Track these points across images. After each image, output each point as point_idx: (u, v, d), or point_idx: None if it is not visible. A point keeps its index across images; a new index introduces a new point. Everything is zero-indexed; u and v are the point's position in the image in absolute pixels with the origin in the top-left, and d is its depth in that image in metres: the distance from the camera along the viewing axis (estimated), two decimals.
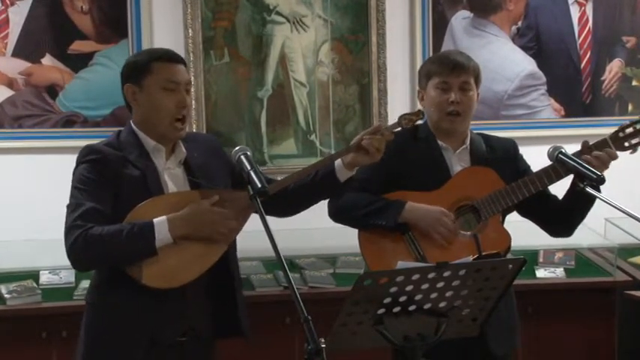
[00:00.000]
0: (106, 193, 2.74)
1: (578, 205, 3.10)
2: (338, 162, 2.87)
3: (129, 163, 2.78)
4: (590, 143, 3.09)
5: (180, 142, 2.89)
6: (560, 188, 3.14)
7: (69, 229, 2.69)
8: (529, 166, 3.24)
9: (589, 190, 2.90)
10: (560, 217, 3.18)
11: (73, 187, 2.77)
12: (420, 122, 3.05)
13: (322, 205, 3.12)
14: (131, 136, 2.84)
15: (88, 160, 2.78)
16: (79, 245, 2.66)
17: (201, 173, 2.86)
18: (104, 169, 2.76)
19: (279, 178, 2.93)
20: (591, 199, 3.05)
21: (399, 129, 2.93)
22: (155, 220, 2.68)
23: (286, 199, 2.91)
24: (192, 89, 4.26)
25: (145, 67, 2.82)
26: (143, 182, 2.77)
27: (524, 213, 3.23)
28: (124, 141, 2.84)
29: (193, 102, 4.26)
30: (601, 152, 3.02)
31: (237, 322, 2.89)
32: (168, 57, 2.86)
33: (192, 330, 2.83)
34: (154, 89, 2.81)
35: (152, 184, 2.78)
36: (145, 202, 2.72)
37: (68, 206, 2.75)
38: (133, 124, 2.87)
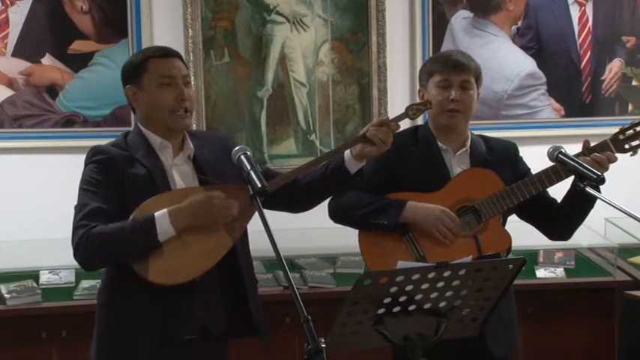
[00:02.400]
0: (112, 192, 2.75)
1: (577, 207, 3.10)
2: (347, 154, 2.87)
3: (136, 162, 2.79)
4: (591, 144, 3.10)
5: (188, 138, 2.90)
6: (559, 191, 3.13)
7: (74, 230, 2.71)
8: (529, 169, 3.24)
9: (589, 190, 2.90)
10: (560, 220, 3.17)
11: (80, 189, 2.79)
12: (420, 122, 3.06)
13: (322, 205, 3.12)
14: (138, 136, 2.86)
15: (94, 160, 2.80)
16: (83, 244, 2.67)
17: (210, 170, 2.86)
18: (110, 169, 2.77)
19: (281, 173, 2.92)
20: (591, 201, 3.04)
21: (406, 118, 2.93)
22: (156, 213, 2.68)
23: (299, 194, 2.92)
24: (192, 89, 4.26)
25: (141, 67, 2.84)
26: (150, 180, 2.77)
27: (523, 216, 3.23)
28: (131, 141, 2.85)
29: None
30: (600, 155, 3.02)
31: (250, 321, 2.89)
32: (161, 53, 2.88)
33: (203, 328, 2.83)
34: (152, 87, 2.82)
35: (159, 181, 2.79)
36: (149, 199, 2.73)
37: (75, 207, 2.76)
38: (139, 124, 2.89)
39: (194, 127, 4.25)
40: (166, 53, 2.88)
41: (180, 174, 2.85)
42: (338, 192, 3.04)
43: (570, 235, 3.25)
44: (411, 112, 2.91)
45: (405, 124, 3.17)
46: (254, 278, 2.98)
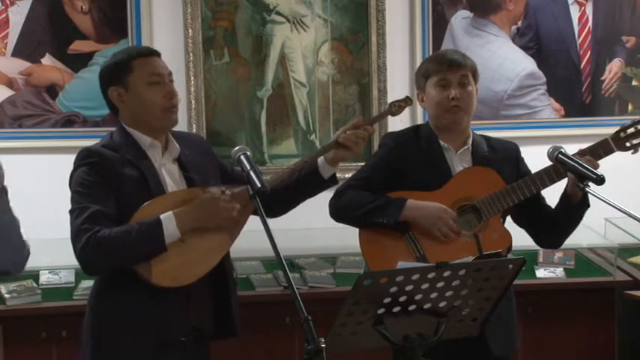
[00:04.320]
0: (109, 194, 2.72)
1: (570, 212, 3.09)
2: (321, 159, 2.89)
3: (127, 163, 2.77)
4: (591, 143, 3.10)
5: (172, 139, 2.89)
6: (557, 191, 3.14)
7: (77, 234, 2.66)
8: (530, 171, 3.23)
9: (589, 190, 2.90)
10: (552, 226, 3.17)
11: (75, 192, 2.74)
12: (420, 122, 3.06)
13: (322, 205, 3.12)
14: (125, 136, 2.83)
15: (87, 162, 2.75)
16: (89, 249, 2.64)
17: (193, 170, 2.86)
18: (104, 171, 2.74)
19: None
20: (583, 206, 3.06)
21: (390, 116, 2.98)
22: (162, 216, 2.67)
23: (272, 200, 2.90)
24: (192, 89, 4.27)
25: (126, 67, 2.81)
26: (144, 182, 2.76)
27: (517, 220, 3.23)
28: (118, 141, 2.82)
29: (193, 102, 4.27)
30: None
31: (232, 322, 2.89)
32: (144, 52, 2.87)
33: (196, 330, 2.83)
34: (140, 86, 2.80)
35: (152, 182, 2.77)
36: (149, 201, 2.72)
37: (71, 211, 2.72)
38: (124, 125, 2.86)
39: (194, 127, 4.25)
40: (150, 52, 2.88)
41: (168, 173, 2.84)
42: (311, 196, 3.01)
43: (561, 243, 3.27)
44: (393, 108, 2.97)
45: (405, 123, 3.18)
46: (234, 281, 2.98)
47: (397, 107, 2.96)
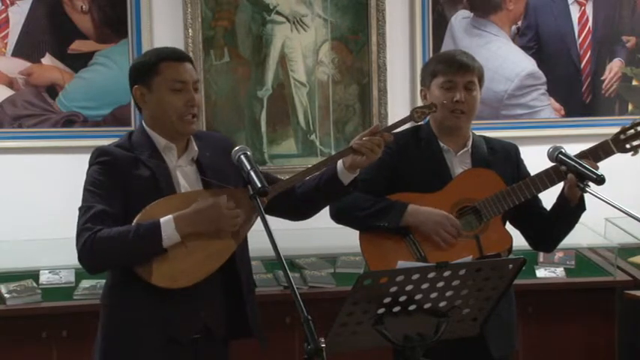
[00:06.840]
0: (117, 194, 2.74)
1: (567, 213, 3.09)
2: (340, 165, 2.87)
3: (140, 163, 2.78)
4: (591, 143, 3.10)
5: (192, 140, 2.89)
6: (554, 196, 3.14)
7: (79, 233, 2.70)
8: (529, 173, 3.23)
9: (589, 190, 2.90)
10: (548, 228, 3.17)
11: (85, 190, 2.78)
12: (422, 122, 3.06)
13: None
14: (143, 136, 2.85)
15: (99, 161, 2.78)
16: (88, 248, 2.66)
17: (212, 172, 2.86)
18: (114, 171, 2.76)
19: (281, 177, 2.93)
20: (581, 208, 3.06)
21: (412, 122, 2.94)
22: (162, 219, 2.68)
23: (295, 203, 2.92)
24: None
25: (152, 69, 2.81)
26: (154, 182, 2.77)
27: (515, 223, 3.23)
28: (135, 141, 2.84)
29: None
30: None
31: (247, 324, 2.89)
32: (174, 56, 2.86)
33: (207, 328, 2.83)
34: (163, 90, 2.80)
35: (163, 183, 2.78)
36: (154, 202, 2.73)
37: (80, 209, 2.76)
38: (144, 124, 2.88)
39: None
40: (179, 57, 2.86)
41: (184, 175, 2.85)
42: (333, 201, 3.04)
43: (554, 246, 3.28)
44: (416, 114, 2.92)
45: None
46: (252, 282, 2.98)
47: (420, 113, 2.92)
